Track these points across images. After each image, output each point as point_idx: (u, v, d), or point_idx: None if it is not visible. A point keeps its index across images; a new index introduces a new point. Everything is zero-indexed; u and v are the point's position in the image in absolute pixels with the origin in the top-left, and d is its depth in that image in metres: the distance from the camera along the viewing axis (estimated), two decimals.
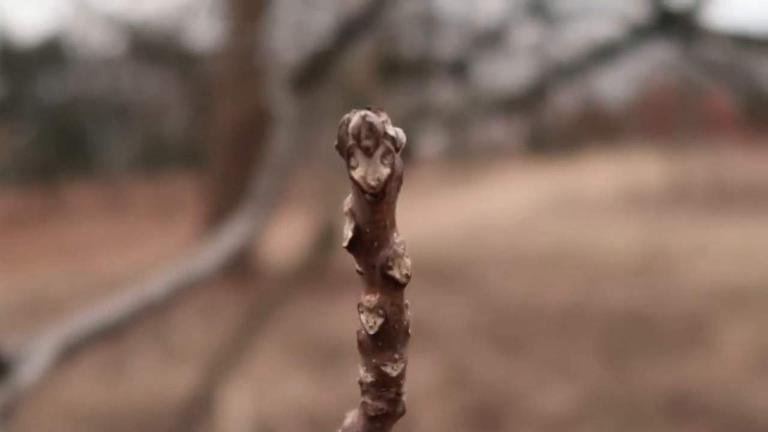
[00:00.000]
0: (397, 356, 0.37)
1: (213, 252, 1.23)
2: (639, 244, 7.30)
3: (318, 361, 4.56)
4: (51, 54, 12.64)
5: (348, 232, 0.35)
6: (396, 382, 0.37)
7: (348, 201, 0.35)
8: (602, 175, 12.25)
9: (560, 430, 3.52)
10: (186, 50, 11.91)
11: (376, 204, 0.34)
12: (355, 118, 0.33)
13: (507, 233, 8.26)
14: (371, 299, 0.37)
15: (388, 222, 0.35)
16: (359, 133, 0.33)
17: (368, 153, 0.33)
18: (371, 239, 0.35)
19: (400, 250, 0.36)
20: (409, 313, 0.37)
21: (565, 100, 13.34)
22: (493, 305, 5.42)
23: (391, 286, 0.36)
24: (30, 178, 12.42)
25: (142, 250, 8.45)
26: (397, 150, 0.34)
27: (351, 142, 0.33)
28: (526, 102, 3.60)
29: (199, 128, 11.40)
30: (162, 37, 11.86)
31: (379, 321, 0.37)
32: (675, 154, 12.03)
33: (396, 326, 0.37)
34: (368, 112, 0.33)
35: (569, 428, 3.52)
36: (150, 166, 13.27)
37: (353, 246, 0.36)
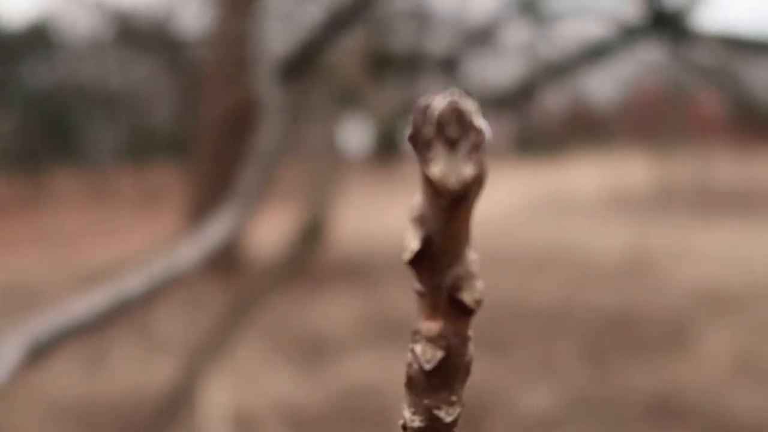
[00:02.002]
0: (454, 398, 0.31)
1: (196, 246, 1.21)
2: (624, 245, 7.33)
3: (300, 355, 4.54)
4: (38, 39, 12.50)
5: (414, 243, 0.29)
6: (449, 429, 0.31)
7: (416, 205, 0.28)
8: (589, 176, 12.29)
9: (543, 430, 3.52)
10: (175, 38, 11.82)
11: (454, 210, 0.28)
12: (440, 102, 0.27)
13: (493, 232, 8.27)
14: (432, 327, 0.30)
15: (464, 234, 0.29)
16: (445, 120, 0.26)
17: (452, 147, 0.27)
18: (441, 254, 0.28)
19: (473, 269, 0.29)
20: (472, 347, 0.31)
21: (554, 100, 13.37)
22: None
23: (458, 313, 0.30)
24: (14, 164, 12.30)
25: (126, 240, 8.39)
26: (482, 146, 0.27)
27: (431, 131, 0.27)
28: (515, 101, 3.59)
29: (187, 118, 11.33)
30: (151, 25, 11.77)
31: (439, 354, 0.30)
32: (662, 156, 12.08)
33: (458, 361, 0.30)
34: (457, 97, 0.27)
35: (552, 429, 3.52)
36: (136, 155, 13.18)
37: (418, 260, 0.29)
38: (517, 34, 5.67)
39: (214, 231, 1.25)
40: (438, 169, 0.27)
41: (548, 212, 9.88)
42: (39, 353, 0.87)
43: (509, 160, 14.86)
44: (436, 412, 0.31)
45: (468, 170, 0.27)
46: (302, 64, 1.31)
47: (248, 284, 3.54)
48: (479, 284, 0.30)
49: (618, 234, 7.98)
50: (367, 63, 4.32)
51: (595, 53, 2.60)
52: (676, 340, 4.63)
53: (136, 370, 4.28)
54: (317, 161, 4.17)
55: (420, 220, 0.28)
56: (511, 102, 3.59)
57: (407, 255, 0.29)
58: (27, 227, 9.69)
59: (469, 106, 0.27)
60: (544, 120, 15.27)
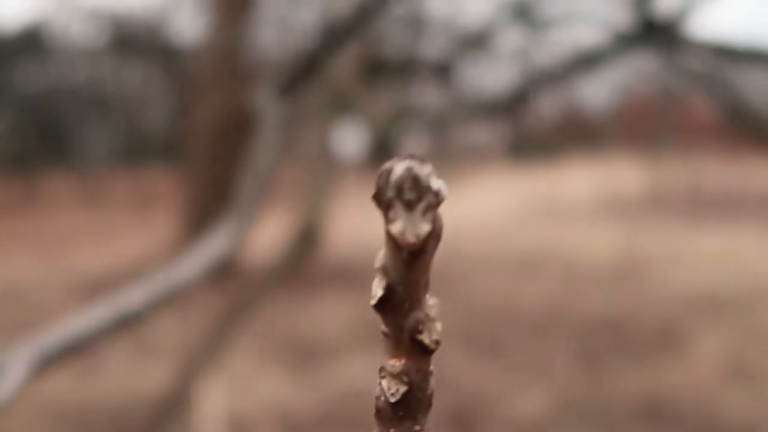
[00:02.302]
0: (417, 428, 0.34)
1: (196, 259, 1.22)
2: (617, 249, 7.36)
3: (294, 358, 4.55)
4: (31, 43, 12.48)
5: (378, 291, 0.32)
6: None
7: (380, 257, 0.32)
8: (582, 181, 12.33)
9: None
10: (169, 44, 11.82)
11: (413, 262, 0.31)
12: (399, 168, 0.30)
13: (487, 236, 8.29)
14: (396, 364, 0.34)
15: (422, 283, 0.32)
16: (402, 185, 0.30)
17: (409, 207, 0.30)
18: (403, 300, 0.32)
19: (432, 313, 0.33)
20: (433, 381, 0.34)
21: (548, 105, 13.42)
22: (471, 307, 5.44)
23: (418, 352, 0.33)
24: (8, 167, 12.26)
25: (119, 244, 8.38)
26: (438, 205, 0.31)
27: (391, 193, 0.30)
28: (509, 106, 3.61)
29: (180, 123, 11.33)
30: (145, 30, 11.76)
31: (403, 389, 0.34)
32: (654, 161, 12.14)
33: (420, 395, 0.34)
34: (413, 163, 0.30)
35: (543, 431, 3.54)
36: (129, 159, 13.16)
37: (382, 305, 0.33)
38: (511, 40, 5.70)
39: (215, 244, 1.27)
40: (397, 227, 0.31)
41: (542, 216, 9.91)
42: (45, 367, 0.88)
43: (503, 164, 14.90)
44: None
45: (424, 228, 0.31)
46: (301, 79, 1.33)
47: (243, 288, 3.55)
48: (438, 326, 0.33)
49: (611, 238, 8.01)
50: (362, 68, 4.34)
51: (589, 60, 2.63)
52: (668, 343, 4.65)
53: (131, 374, 4.28)
54: (312, 166, 4.18)
55: (384, 270, 0.32)
56: (505, 107, 3.62)
57: (373, 300, 0.33)
58: (20, 230, 9.67)
59: (425, 171, 0.30)
60: (538, 125, 15.32)
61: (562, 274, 6.59)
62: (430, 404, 0.34)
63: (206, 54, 7.49)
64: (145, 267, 5.90)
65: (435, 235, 0.31)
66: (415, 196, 0.30)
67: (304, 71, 1.31)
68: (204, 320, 3.96)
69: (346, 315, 5.43)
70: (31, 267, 7.27)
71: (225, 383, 3.77)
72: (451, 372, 4.13)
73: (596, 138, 15.48)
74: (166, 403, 3.06)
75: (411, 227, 0.31)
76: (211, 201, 6.78)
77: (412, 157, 0.31)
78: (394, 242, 0.31)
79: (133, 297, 1.08)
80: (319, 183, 3.71)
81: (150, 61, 12.57)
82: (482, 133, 13.98)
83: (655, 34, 2.25)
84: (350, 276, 6.60)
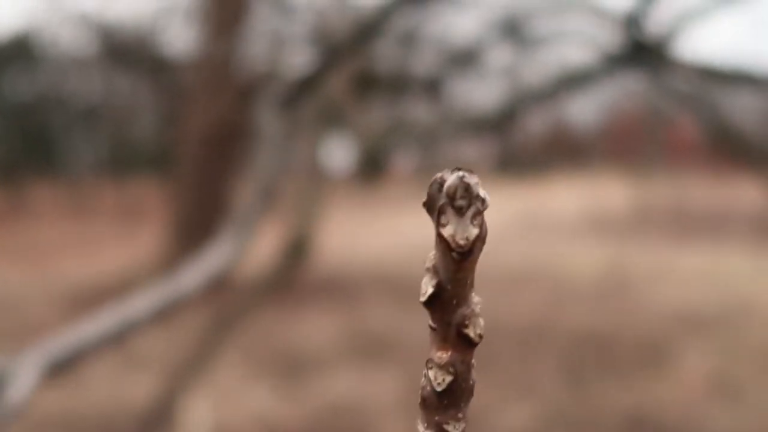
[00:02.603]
0: (460, 415, 0.37)
1: (196, 273, 1.23)
2: (603, 266, 7.41)
3: (281, 372, 4.54)
4: (20, 51, 12.45)
5: (429, 288, 0.36)
6: None
7: (431, 257, 0.35)
8: (569, 197, 12.41)
9: None
10: (159, 55, 11.82)
11: (462, 262, 0.35)
12: (451, 177, 0.34)
13: None
14: (443, 356, 0.37)
15: (469, 281, 0.36)
16: (455, 192, 0.34)
17: (460, 212, 0.34)
18: (451, 297, 0.36)
19: (477, 309, 0.36)
20: (475, 373, 0.38)
21: (536, 123, 13.52)
22: None
23: (464, 345, 0.37)
24: None
25: (106, 255, 8.34)
26: (483, 212, 0.34)
27: (444, 200, 0.34)
28: (498, 122, 3.65)
29: (169, 134, 11.31)
30: (135, 41, 11.76)
31: (449, 379, 0.37)
32: (640, 179, 12.24)
33: (463, 385, 0.37)
34: (465, 173, 0.34)
35: None
36: (117, 170, 13.11)
37: (432, 302, 0.36)
38: (500, 58, 5.76)
39: (215, 257, 1.28)
40: (449, 230, 0.34)
41: (528, 232, 9.96)
42: (54, 374, 0.89)
43: (491, 180, 14.95)
44: (446, 426, 0.37)
45: (473, 231, 0.34)
46: (300, 96, 1.35)
47: (231, 301, 3.54)
48: (481, 321, 0.37)
49: (597, 254, 8.06)
50: (353, 83, 4.36)
51: (577, 79, 2.67)
52: (653, 360, 4.68)
53: (116, 386, 4.25)
54: (302, 179, 4.20)
55: (434, 270, 0.36)
56: (493, 124, 3.65)
57: (423, 297, 0.36)
58: (5, 240, 9.60)
59: (474, 180, 0.34)
60: (526, 141, 15.42)
61: (549, 290, 6.62)
62: (471, 393, 0.38)
63: (196, 65, 7.50)
64: (132, 278, 5.87)
65: (481, 239, 0.35)
66: (466, 202, 0.34)
67: (303, 89, 1.33)
68: (190, 332, 3.95)
69: (333, 328, 5.43)
70: (17, 277, 7.22)
71: (211, 396, 3.76)
72: None
73: (583, 155, 15.60)
74: (151, 415, 3.04)
75: (461, 231, 0.34)
76: (199, 212, 6.78)
77: (461, 168, 0.34)
78: (445, 244, 0.34)
79: (137, 306, 1.09)
80: (309, 196, 3.72)
81: (140, 72, 12.56)
82: (471, 149, 14.05)
83: (643, 54, 2.29)
84: (339, 289, 6.60)
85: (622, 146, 14.89)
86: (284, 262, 3.29)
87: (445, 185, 0.34)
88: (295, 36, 7.62)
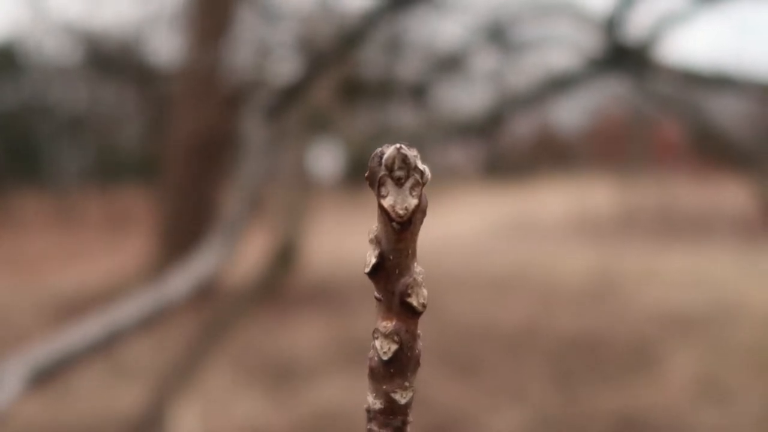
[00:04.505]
0: (407, 384, 0.38)
1: (183, 279, 1.23)
2: (589, 268, 7.44)
3: (269, 379, 4.53)
4: (5, 61, 12.38)
5: (372, 259, 0.36)
6: (404, 410, 0.38)
7: (373, 229, 0.37)
8: (556, 201, 12.46)
9: None
10: (144, 63, 11.79)
11: (402, 232, 0.36)
12: (390, 149, 0.35)
13: (462, 255, 8.34)
14: (387, 325, 0.37)
15: (410, 251, 0.36)
16: (393, 163, 0.35)
17: (399, 183, 0.35)
18: (393, 267, 0.36)
19: (419, 279, 0.37)
20: (421, 343, 0.38)
21: (522, 127, 13.57)
22: (447, 327, 5.46)
23: (408, 314, 0.37)
24: None
25: (92, 265, 8.29)
26: (423, 184, 0.35)
27: (383, 172, 0.35)
28: (484, 127, 3.67)
29: (155, 142, 11.27)
30: (120, 49, 11.72)
31: (394, 347, 0.37)
32: (626, 181, 12.31)
33: (409, 354, 0.38)
34: (403, 145, 0.35)
35: None
36: (103, 179, 13.04)
37: (375, 272, 0.37)
38: (485, 62, 5.78)
39: (202, 263, 1.28)
40: (388, 201, 0.35)
41: (515, 236, 9.99)
42: (39, 381, 0.88)
43: (478, 184, 15.00)
44: (393, 395, 0.38)
45: (412, 202, 0.35)
46: (285, 104, 1.35)
47: (218, 309, 3.54)
48: (424, 291, 0.37)
49: (583, 257, 8.10)
50: (339, 89, 4.37)
51: (561, 84, 2.68)
52: (641, 361, 4.71)
53: (103, 395, 4.23)
54: (288, 186, 4.19)
55: (376, 241, 0.37)
56: (480, 128, 3.67)
57: (367, 268, 0.37)
58: None
59: (412, 152, 0.35)
60: (512, 145, 15.48)
61: (536, 294, 6.64)
62: (418, 363, 0.38)
63: (182, 73, 7.48)
64: (119, 287, 5.84)
65: (421, 209, 0.35)
66: (404, 173, 0.35)
67: (289, 96, 1.34)
68: (179, 340, 3.93)
69: (322, 335, 5.42)
70: (3, 287, 7.17)
71: (200, 404, 3.74)
72: (424, 391, 4.15)
73: (569, 159, 15.67)
74: (139, 425, 3.03)
75: (400, 201, 0.35)
76: (185, 221, 6.75)
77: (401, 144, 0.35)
78: (385, 215, 0.35)
79: (121, 314, 1.09)
80: (296, 203, 3.72)
81: (125, 80, 12.52)
82: (458, 154, 14.09)
83: (626, 58, 2.31)
84: (327, 295, 6.59)
85: (608, 149, 14.98)
86: (272, 269, 3.29)
87: (384, 157, 0.35)
88: (281, 44, 7.63)
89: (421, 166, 0.35)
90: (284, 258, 3.34)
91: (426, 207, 0.36)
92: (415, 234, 0.36)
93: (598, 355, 4.89)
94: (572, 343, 5.14)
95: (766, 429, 3.67)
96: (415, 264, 0.37)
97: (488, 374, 4.55)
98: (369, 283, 0.39)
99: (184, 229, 6.60)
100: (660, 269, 7.47)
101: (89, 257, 8.94)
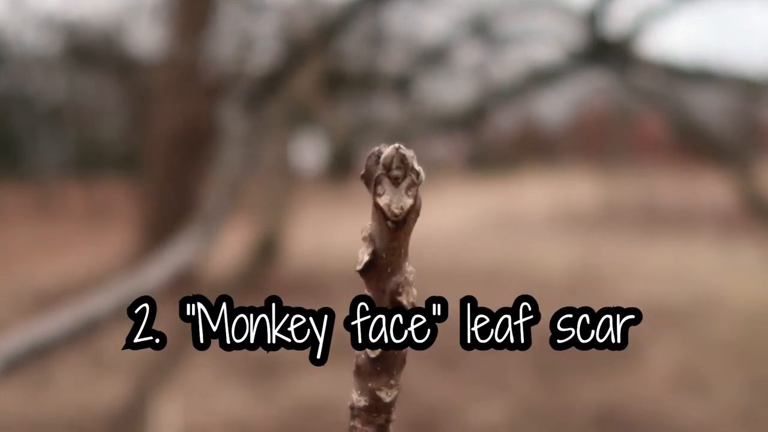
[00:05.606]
0: (392, 382, 0.38)
1: (160, 268, 1.21)
2: (572, 262, 7.48)
3: (252, 372, 4.52)
4: None
5: (364, 256, 0.37)
6: (388, 408, 0.38)
7: (367, 227, 0.37)
8: (539, 194, 12.51)
9: None
10: (125, 54, 11.68)
11: (396, 231, 0.36)
12: (388, 149, 0.35)
13: (445, 248, 8.35)
14: None
15: (403, 250, 0.37)
16: (391, 163, 0.35)
17: (396, 183, 0.35)
18: (386, 265, 0.37)
19: (410, 278, 0.37)
20: None
21: (505, 120, 13.60)
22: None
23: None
24: None
25: (72, 257, 8.22)
26: (418, 185, 0.35)
27: (380, 171, 0.35)
28: (467, 120, 3.67)
29: (136, 134, 11.18)
30: (101, 40, 11.60)
31: None
32: (608, 175, 12.38)
33: (396, 353, 0.38)
34: (401, 145, 0.35)
35: None
36: (83, 171, 12.93)
37: (367, 270, 0.37)
38: (469, 56, 5.79)
39: (180, 252, 1.27)
40: (385, 199, 0.35)
41: (498, 229, 10.02)
42: (8, 371, 0.87)
43: (461, 177, 15.03)
44: (378, 393, 0.38)
45: (407, 201, 0.35)
46: (266, 95, 1.34)
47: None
48: (414, 290, 0.38)
49: (566, 251, 8.14)
50: (322, 81, 4.36)
51: (543, 77, 2.69)
52: (622, 354, 4.74)
53: (84, 388, 4.20)
54: (271, 179, 4.18)
55: (370, 239, 0.37)
56: (463, 121, 3.67)
57: (359, 266, 0.37)
58: None
59: (410, 153, 0.35)
60: (496, 139, 15.51)
61: (519, 287, 6.67)
62: (404, 362, 0.39)
63: (163, 65, 7.42)
64: (100, 279, 5.80)
65: (415, 209, 0.36)
66: (401, 173, 0.35)
67: (268, 86, 1.33)
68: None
69: None
70: None
71: (182, 397, 3.72)
72: (406, 384, 4.15)
73: (552, 152, 15.74)
74: (121, 418, 3.01)
75: (396, 201, 0.35)
76: (167, 213, 6.71)
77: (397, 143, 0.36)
78: (381, 213, 0.35)
79: (97, 303, 1.07)
80: (279, 196, 3.71)
81: (106, 71, 12.39)
82: (441, 147, 14.10)
83: (607, 52, 2.32)
84: (309, 288, 6.58)
85: (590, 143, 15.06)
86: (254, 261, 3.28)
87: (382, 156, 0.35)
88: (264, 35, 7.58)
89: (417, 167, 0.35)
90: (266, 250, 3.33)
91: (420, 207, 0.36)
92: (408, 233, 0.36)
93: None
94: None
95: (745, 420, 3.71)
96: (407, 263, 0.37)
97: (470, 367, 4.57)
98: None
99: (166, 222, 6.55)
100: (642, 263, 7.52)
101: (70, 250, 8.87)
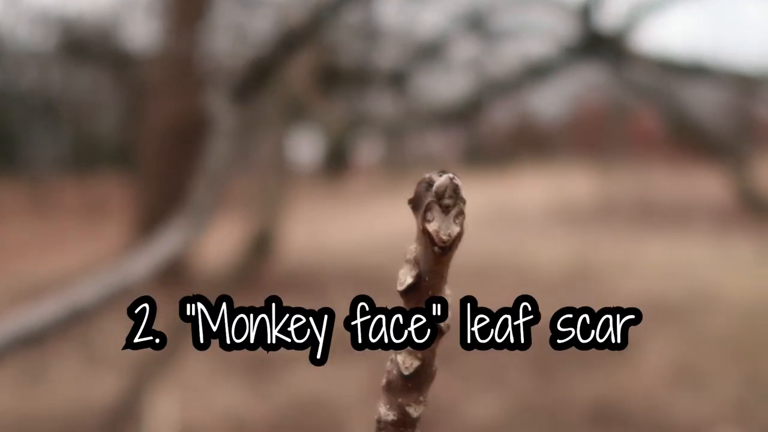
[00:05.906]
0: (422, 398, 0.39)
1: (146, 258, 1.21)
2: (568, 257, 7.49)
3: (248, 368, 4.52)
4: None
5: (408, 278, 0.38)
6: (414, 423, 0.39)
7: (412, 250, 0.38)
8: (534, 189, 12.52)
9: None
10: (120, 49, 11.64)
11: (441, 257, 0.37)
12: (442, 179, 0.37)
13: None
14: None
15: (444, 274, 0.38)
16: (444, 192, 0.36)
17: (446, 211, 0.36)
18: (427, 287, 0.38)
19: (449, 300, 0.39)
20: (436, 360, 0.40)
21: (501, 115, 13.60)
22: None
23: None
24: None
25: (68, 253, 8.20)
26: (464, 213, 0.37)
27: (431, 198, 0.36)
28: (463, 115, 3.66)
29: (131, 129, 11.16)
30: (96, 34, 11.57)
31: (416, 363, 0.39)
32: (604, 170, 12.39)
33: (428, 370, 0.39)
34: (454, 175, 0.37)
35: None
36: (79, 166, 12.90)
37: (409, 291, 0.38)
38: (464, 50, 5.78)
39: (165, 245, 1.26)
40: (434, 226, 0.37)
41: (494, 224, 10.03)
42: None
43: (457, 172, 14.99)
44: (407, 408, 0.40)
45: (455, 229, 0.37)
46: (254, 84, 1.34)
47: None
48: (451, 313, 0.39)
49: (562, 246, 8.15)
50: (316, 76, 4.35)
51: (538, 72, 2.68)
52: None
53: (78, 383, 4.19)
54: (266, 174, 4.17)
55: (415, 262, 0.38)
56: (458, 116, 3.66)
57: (401, 287, 0.38)
58: None
59: (461, 182, 0.37)
60: (492, 134, 15.51)
61: (514, 282, 6.67)
62: (432, 378, 0.40)
63: (158, 59, 7.40)
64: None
65: (460, 236, 0.38)
66: (452, 202, 0.37)
67: (257, 77, 1.32)
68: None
69: None
70: None
71: (176, 392, 3.72)
72: None
73: (548, 147, 15.75)
74: (115, 413, 3.01)
75: (445, 228, 0.37)
76: (162, 208, 6.69)
77: (446, 171, 0.38)
78: (428, 239, 0.37)
79: (83, 292, 1.07)
80: (273, 191, 3.70)
81: (101, 66, 12.36)
82: (436, 142, 14.09)
83: (601, 47, 2.32)
84: (304, 283, 6.58)
85: (586, 138, 15.06)
86: (248, 256, 3.27)
87: (435, 185, 0.37)
88: (259, 30, 7.56)
89: (463, 194, 0.37)
90: (261, 245, 3.33)
91: (463, 234, 0.38)
92: (450, 258, 0.38)
93: None
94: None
95: (740, 414, 3.72)
96: (446, 287, 0.39)
97: (467, 362, 4.57)
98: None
99: (161, 216, 6.53)
100: (638, 258, 7.54)
101: (66, 245, 8.85)
